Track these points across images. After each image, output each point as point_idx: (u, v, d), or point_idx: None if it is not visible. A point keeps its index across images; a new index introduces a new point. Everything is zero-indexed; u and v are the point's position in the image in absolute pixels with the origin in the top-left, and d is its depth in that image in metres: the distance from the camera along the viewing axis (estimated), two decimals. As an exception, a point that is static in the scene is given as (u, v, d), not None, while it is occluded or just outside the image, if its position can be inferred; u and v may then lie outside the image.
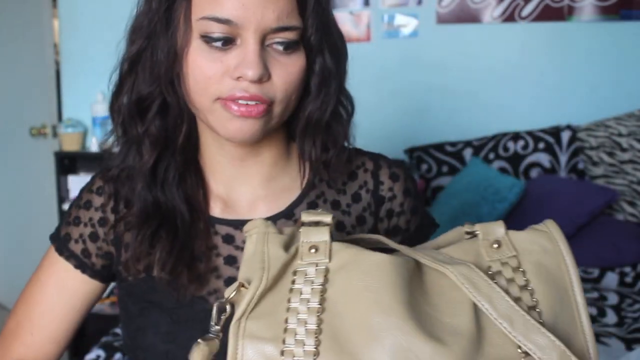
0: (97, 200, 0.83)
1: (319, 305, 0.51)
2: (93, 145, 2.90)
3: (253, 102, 0.69)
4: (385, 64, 2.90)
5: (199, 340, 0.53)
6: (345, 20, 2.88)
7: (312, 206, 0.81)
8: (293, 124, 0.79)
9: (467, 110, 2.88)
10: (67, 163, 2.93)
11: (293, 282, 0.53)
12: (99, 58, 2.50)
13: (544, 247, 0.55)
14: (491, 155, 2.70)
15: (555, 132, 2.70)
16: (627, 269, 2.18)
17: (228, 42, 0.69)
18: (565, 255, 0.54)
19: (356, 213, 0.83)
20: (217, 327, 0.54)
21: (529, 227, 0.57)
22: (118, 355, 1.76)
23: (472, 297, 0.50)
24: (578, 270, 0.54)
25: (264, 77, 0.69)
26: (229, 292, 0.53)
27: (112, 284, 0.87)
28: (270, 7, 0.67)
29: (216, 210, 0.81)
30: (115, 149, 0.81)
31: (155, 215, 0.78)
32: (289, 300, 0.51)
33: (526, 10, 2.80)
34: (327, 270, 0.53)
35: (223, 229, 0.80)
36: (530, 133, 2.72)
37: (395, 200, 0.85)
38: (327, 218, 0.56)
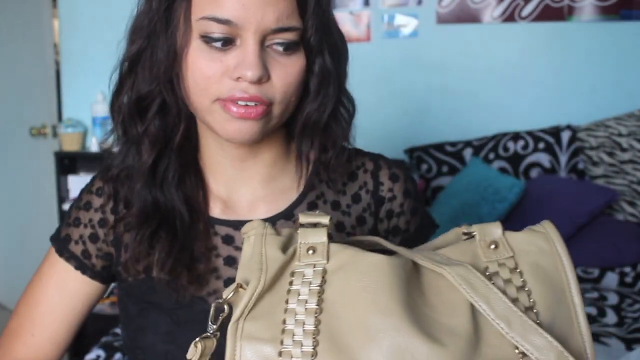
0: (97, 201, 0.83)
1: (317, 306, 0.51)
2: (93, 145, 2.90)
3: (252, 103, 0.69)
4: (385, 64, 2.90)
5: (196, 339, 0.53)
6: (345, 20, 2.88)
7: (312, 207, 0.81)
8: (293, 124, 0.79)
9: (467, 110, 2.88)
10: (67, 163, 2.93)
11: (291, 283, 0.53)
12: (99, 58, 2.51)
13: (541, 248, 0.55)
14: (491, 155, 2.70)
15: (555, 132, 2.70)
16: (627, 269, 2.18)
17: (228, 42, 0.69)
18: (562, 256, 0.54)
19: (356, 213, 0.83)
20: (215, 327, 0.54)
21: (526, 228, 0.57)
22: (118, 355, 1.76)
23: (469, 297, 0.51)
24: (575, 271, 0.54)
25: (264, 77, 0.69)
26: (227, 293, 0.53)
27: (113, 284, 0.87)
28: (271, 8, 0.67)
29: (216, 210, 0.81)
30: (116, 149, 0.81)
31: (155, 216, 0.78)
32: (286, 301, 0.52)
33: (526, 10, 2.80)
34: (324, 271, 0.53)
35: (223, 230, 0.80)
36: (530, 133, 2.72)
37: (395, 201, 0.85)
38: (325, 219, 0.56)
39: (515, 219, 2.40)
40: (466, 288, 0.50)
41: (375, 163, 0.85)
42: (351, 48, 0.80)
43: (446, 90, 2.88)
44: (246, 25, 0.67)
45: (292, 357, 0.49)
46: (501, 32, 2.84)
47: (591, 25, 2.78)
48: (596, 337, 1.69)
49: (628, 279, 2.16)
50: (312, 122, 0.77)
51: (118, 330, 1.91)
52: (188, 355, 0.53)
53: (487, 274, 0.53)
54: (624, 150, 2.57)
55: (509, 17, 2.81)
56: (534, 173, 2.67)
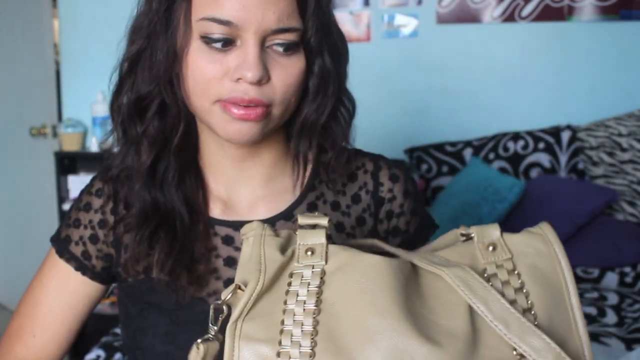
0: (97, 202, 0.83)
1: (315, 307, 0.51)
2: (93, 145, 2.90)
3: (252, 105, 0.69)
4: (385, 64, 2.90)
5: (197, 341, 0.53)
6: (345, 20, 2.88)
7: (312, 207, 0.81)
8: (292, 125, 0.79)
9: (467, 110, 2.88)
10: (67, 163, 2.93)
11: (289, 284, 0.53)
12: (99, 58, 2.51)
13: (539, 249, 0.55)
14: (491, 155, 2.70)
15: (555, 132, 2.70)
16: (627, 269, 2.19)
17: (228, 43, 0.69)
18: (560, 257, 0.54)
19: (356, 214, 0.83)
20: (215, 328, 0.54)
21: (524, 230, 0.57)
22: (118, 355, 1.76)
23: (467, 299, 0.51)
24: (572, 273, 0.54)
25: (264, 78, 0.69)
26: (226, 294, 0.53)
27: (113, 284, 0.88)
28: (271, 9, 0.67)
29: (216, 211, 0.81)
30: (116, 149, 0.81)
31: (154, 216, 0.78)
32: (285, 302, 0.52)
33: (526, 10, 2.80)
34: (323, 272, 0.53)
35: (223, 230, 0.80)
36: (530, 133, 2.72)
37: (395, 202, 0.85)
38: (324, 221, 0.56)
39: (515, 219, 2.40)
40: (464, 290, 0.50)
41: (375, 163, 0.85)
42: (351, 48, 0.80)
43: (446, 90, 2.88)
44: (246, 26, 0.67)
45: (290, 357, 0.49)
46: (501, 32, 2.84)
47: (591, 25, 2.78)
48: (596, 337, 1.69)
49: (628, 279, 2.16)
50: (310, 122, 0.77)
51: (118, 330, 1.91)
52: (190, 358, 0.53)
53: (485, 275, 0.54)
54: (624, 150, 2.57)
55: (509, 17, 2.81)
56: (534, 173, 2.67)
